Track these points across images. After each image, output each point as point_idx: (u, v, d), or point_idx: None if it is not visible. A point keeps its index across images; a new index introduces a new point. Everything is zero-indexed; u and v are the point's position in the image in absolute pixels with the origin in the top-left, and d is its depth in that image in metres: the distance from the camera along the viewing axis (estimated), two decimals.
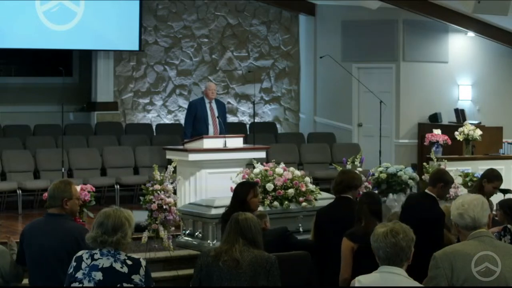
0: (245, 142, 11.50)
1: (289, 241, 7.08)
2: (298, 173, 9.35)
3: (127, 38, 14.51)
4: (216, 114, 11.83)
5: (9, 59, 14.65)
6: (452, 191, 11.17)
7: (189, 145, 10.71)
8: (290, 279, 6.33)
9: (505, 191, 11.83)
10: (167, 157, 10.77)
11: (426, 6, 13.99)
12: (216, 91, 12.23)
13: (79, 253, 4.59)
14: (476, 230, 4.26)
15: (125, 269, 4.50)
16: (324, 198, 9.36)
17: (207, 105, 11.94)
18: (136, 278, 4.52)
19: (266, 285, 4.91)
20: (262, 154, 10.92)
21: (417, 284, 4.10)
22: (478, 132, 12.97)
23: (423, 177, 11.48)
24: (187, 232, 8.93)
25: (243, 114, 15.89)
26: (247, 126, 15.40)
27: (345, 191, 6.84)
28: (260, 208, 8.42)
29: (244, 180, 8.92)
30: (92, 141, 13.71)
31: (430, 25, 14.74)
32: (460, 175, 11.76)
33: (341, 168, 10.30)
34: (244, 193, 6.97)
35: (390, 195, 11.03)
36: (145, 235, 8.80)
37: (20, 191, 11.87)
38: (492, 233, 4.46)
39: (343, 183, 6.84)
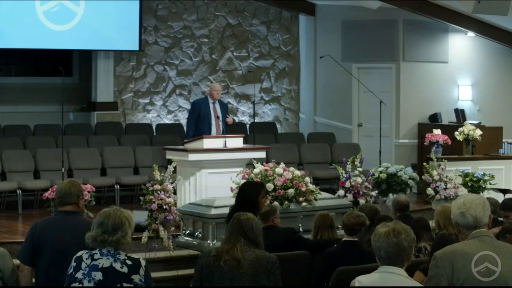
0: (245, 142, 11.49)
1: (298, 243, 7.05)
2: (298, 173, 9.34)
3: (127, 38, 14.50)
4: (219, 114, 11.80)
5: (9, 59, 14.63)
6: (452, 191, 11.19)
7: (189, 145, 10.71)
8: (291, 279, 6.34)
9: (505, 191, 11.84)
10: (167, 157, 10.77)
11: (426, 6, 13.99)
12: (220, 92, 12.23)
13: (79, 253, 4.58)
14: (477, 230, 4.26)
15: (125, 269, 4.50)
16: (324, 198, 9.36)
17: (211, 105, 11.90)
18: (136, 278, 4.52)
19: (267, 285, 4.91)
20: (262, 154, 10.91)
21: (417, 284, 4.09)
22: (478, 132, 12.98)
23: (423, 177, 11.49)
24: (187, 232, 8.92)
25: (243, 114, 15.88)
26: (247, 126, 15.38)
27: None
28: None
29: (245, 180, 8.92)
30: (92, 141, 13.70)
31: (430, 25, 14.73)
32: (460, 175, 11.77)
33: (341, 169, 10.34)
34: (256, 192, 6.98)
35: (390, 195, 11.05)
36: (145, 235, 8.81)
37: (20, 191, 11.86)
38: (493, 234, 4.45)
39: None
